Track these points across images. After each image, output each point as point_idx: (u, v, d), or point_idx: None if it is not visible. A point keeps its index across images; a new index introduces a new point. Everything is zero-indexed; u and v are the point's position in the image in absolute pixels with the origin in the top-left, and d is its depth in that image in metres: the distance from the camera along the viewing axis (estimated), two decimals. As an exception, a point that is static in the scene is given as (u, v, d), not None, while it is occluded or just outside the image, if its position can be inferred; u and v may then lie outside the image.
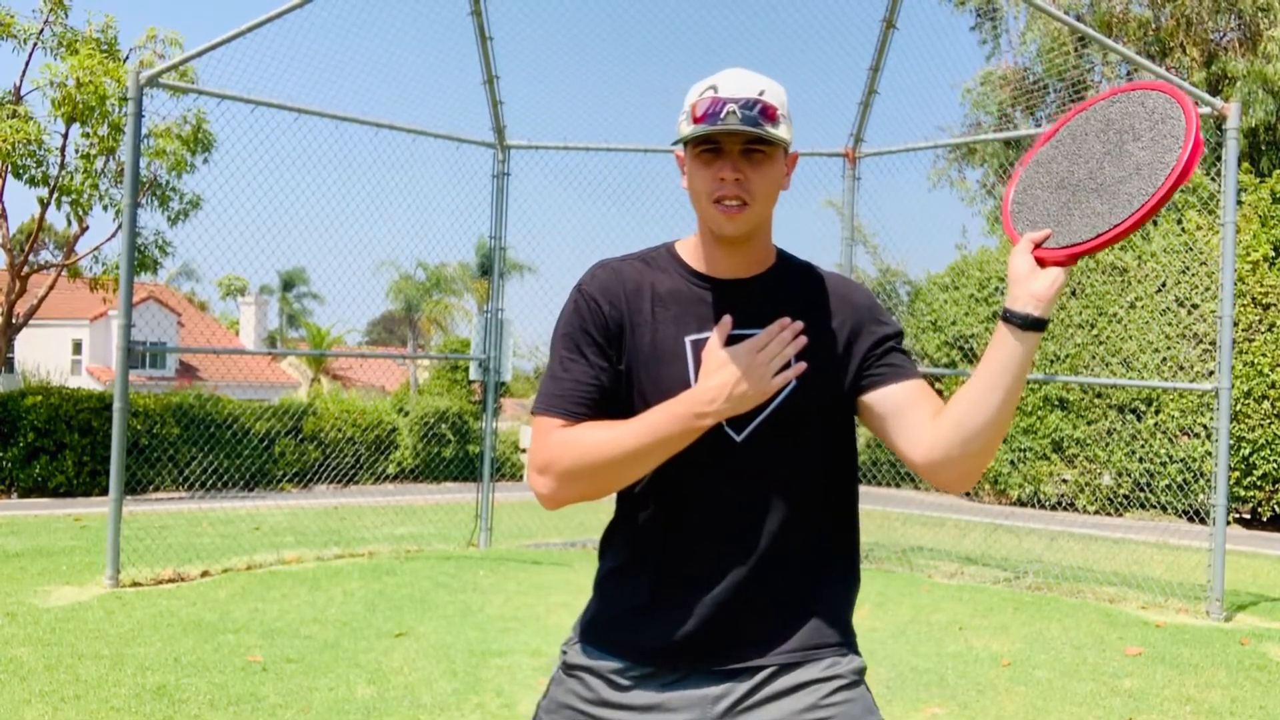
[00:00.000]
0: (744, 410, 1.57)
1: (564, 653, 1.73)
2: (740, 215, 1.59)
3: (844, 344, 1.65)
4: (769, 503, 1.62)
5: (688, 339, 1.63)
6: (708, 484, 1.61)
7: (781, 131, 1.57)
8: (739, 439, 1.61)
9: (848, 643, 1.67)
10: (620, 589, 1.69)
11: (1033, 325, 1.48)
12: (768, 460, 1.61)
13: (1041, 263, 1.50)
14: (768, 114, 1.56)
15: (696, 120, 1.56)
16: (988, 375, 1.51)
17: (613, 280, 1.67)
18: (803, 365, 1.58)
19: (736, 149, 1.57)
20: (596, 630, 1.70)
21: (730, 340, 1.59)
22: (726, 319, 1.60)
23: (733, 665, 1.62)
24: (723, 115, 1.54)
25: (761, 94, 1.56)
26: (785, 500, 1.62)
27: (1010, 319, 1.49)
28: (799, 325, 1.59)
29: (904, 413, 1.61)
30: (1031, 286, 1.48)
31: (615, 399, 1.64)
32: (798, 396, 1.61)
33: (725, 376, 1.55)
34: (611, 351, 1.65)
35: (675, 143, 1.63)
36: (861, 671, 1.66)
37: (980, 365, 1.53)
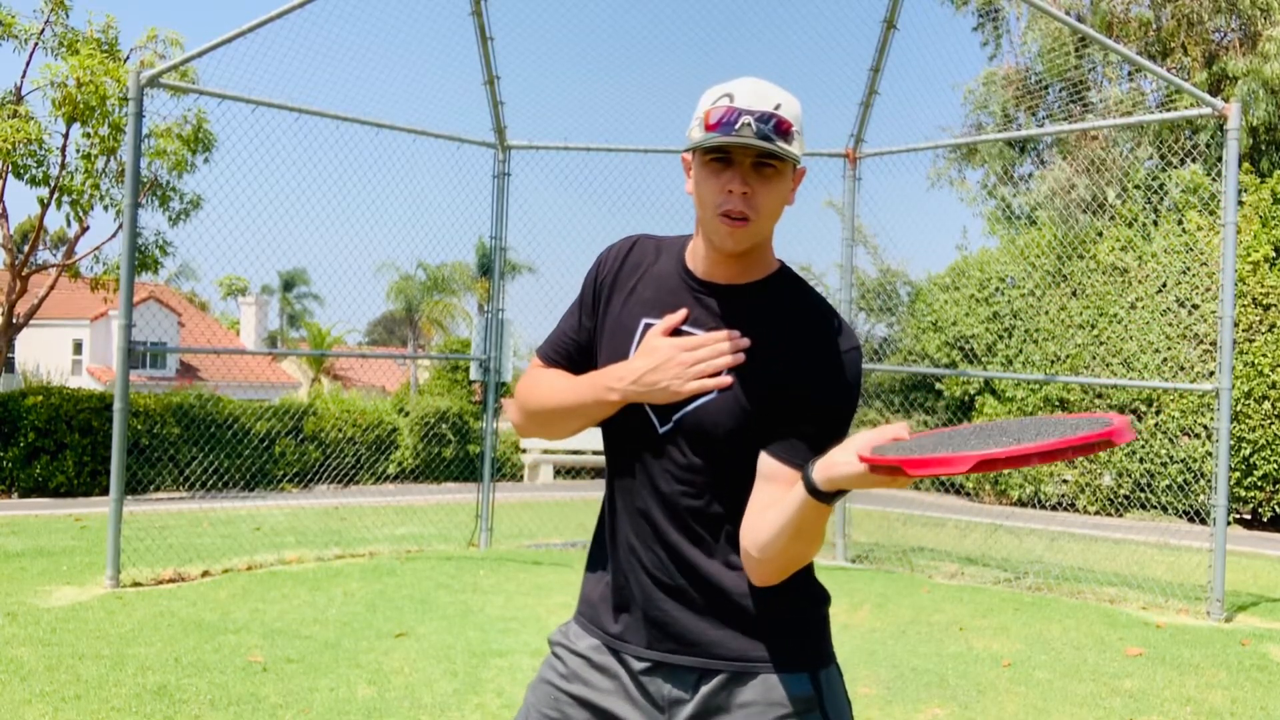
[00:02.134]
0: (654, 400, 1.61)
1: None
2: (743, 230, 1.57)
3: (786, 385, 1.59)
4: (686, 500, 1.62)
5: (644, 320, 1.67)
6: (637, 470, 1.66)
7: (794, 147, 1.56)
8: (660, 431, 1.63)
9: (801, 660, 1.62)
10: (595, 568, 1.76)
11: (808, 485, 1.42)
12: (684, 459, 1.62)
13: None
14: (782, 128, 1.53)
15: (709, 128, 1.54)
16: (782, 504, 1.50)
17: (622, 251, 1.76)
18: (726, 380, 1.58)
19: (747, 161, 1.55)
20: (580, 608, 1.76)
21: (678, 334, 1.63)
22: (682, 312, 1.64)
23: (679, 661, 1.63)
24: (737, 126, 1.52)
25: (778, 108, 1.54)
26: (702, 501, 1.62)
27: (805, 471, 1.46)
28: (743, 342, 1.59)
29: (760, 489, 1.58)
30: (835, 456, 1.40)
31: (590, 357, 1.74)
32: (714, 410, 1.59)
33: (644, 361, 1.61)
34: (593, 313, 1.75)
35: (687, 149, 1.62)
36: (809, 700, 1.59)
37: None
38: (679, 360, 1.59)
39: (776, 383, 1.59)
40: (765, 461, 1.58)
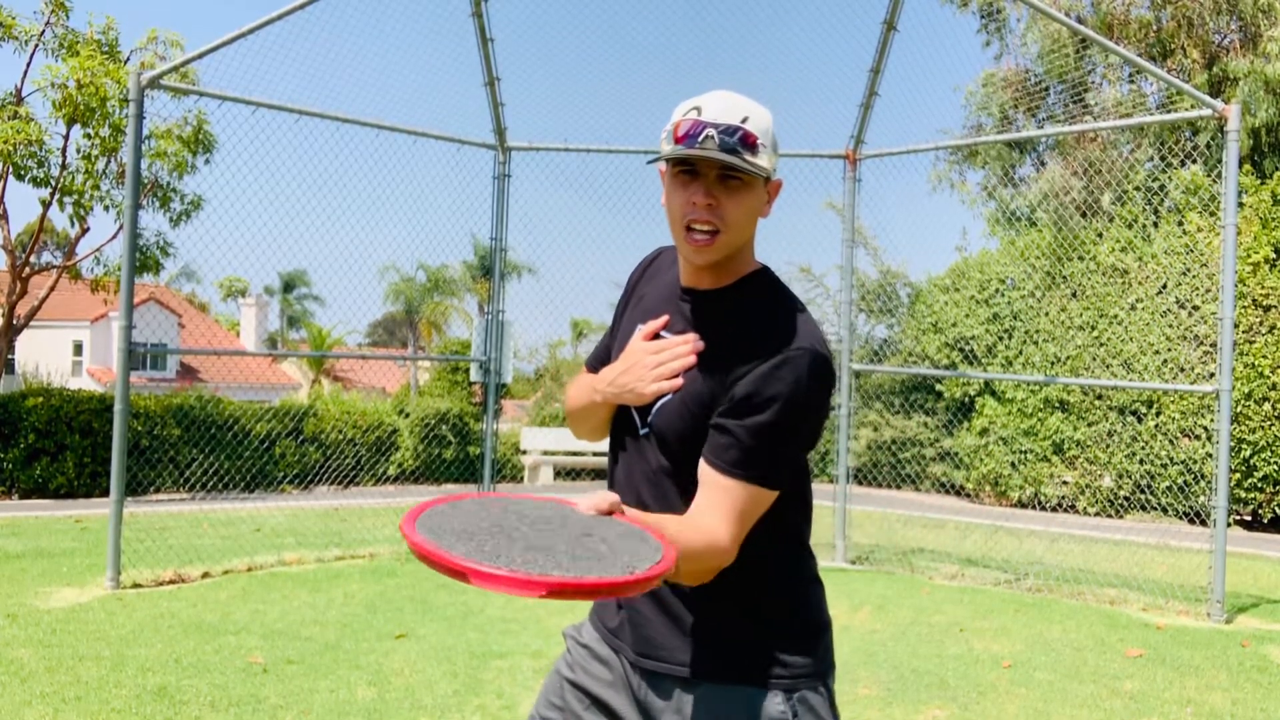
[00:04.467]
0: (625, 402, 1.68)
1: None
2: (710, 246, 1.59)
3: (724, 387, 1.57)
4: (658, 503, 1.65)
5: (639, 326, 1.75)
6: (624, 471, 1.72)
7: (761, 160, 1.56)
8: (640, 433, 1.68)
9: (778, 678, 1.59)
10: None
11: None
12: (656, 462, 1.65)
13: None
14: (748, 142, 1.54)
15: (677, 140, 1.56)
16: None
17: (646, 262, 1.85)
18: (677, 383, 1.61)
19: (712, 174, 1.57)
20: (595, 602, 1.83)
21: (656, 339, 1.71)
22: (663, 318, 1.70)
23: (650, 666, 1.65)
24: (701, 139, 1.53)
25: (744, 121, 1.55)
26: (669, 504, 1.63)
27: None
28: (699, 345, 1.62)
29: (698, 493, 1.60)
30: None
31: None
32: (669, 412, 1.62)
33: (620, 365, 1.69)
34: (620, 322, 1.85)
35: (652, 160, 1.64)
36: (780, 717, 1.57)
37: None
38: (644, 363, 1.64)
39: (719, 384, 1.59)
40: (700, 463, 1.59)
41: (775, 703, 1.57)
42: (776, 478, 1.57)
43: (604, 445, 1.83)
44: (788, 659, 1.60)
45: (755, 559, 1.62)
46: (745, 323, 1.61)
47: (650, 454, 1.65)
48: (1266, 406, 12.57)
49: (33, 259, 15.43)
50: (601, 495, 1.42)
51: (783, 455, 1.57)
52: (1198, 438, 12.77)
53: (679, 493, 1.63)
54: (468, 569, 1.21)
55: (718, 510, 1.53)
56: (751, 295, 1.65)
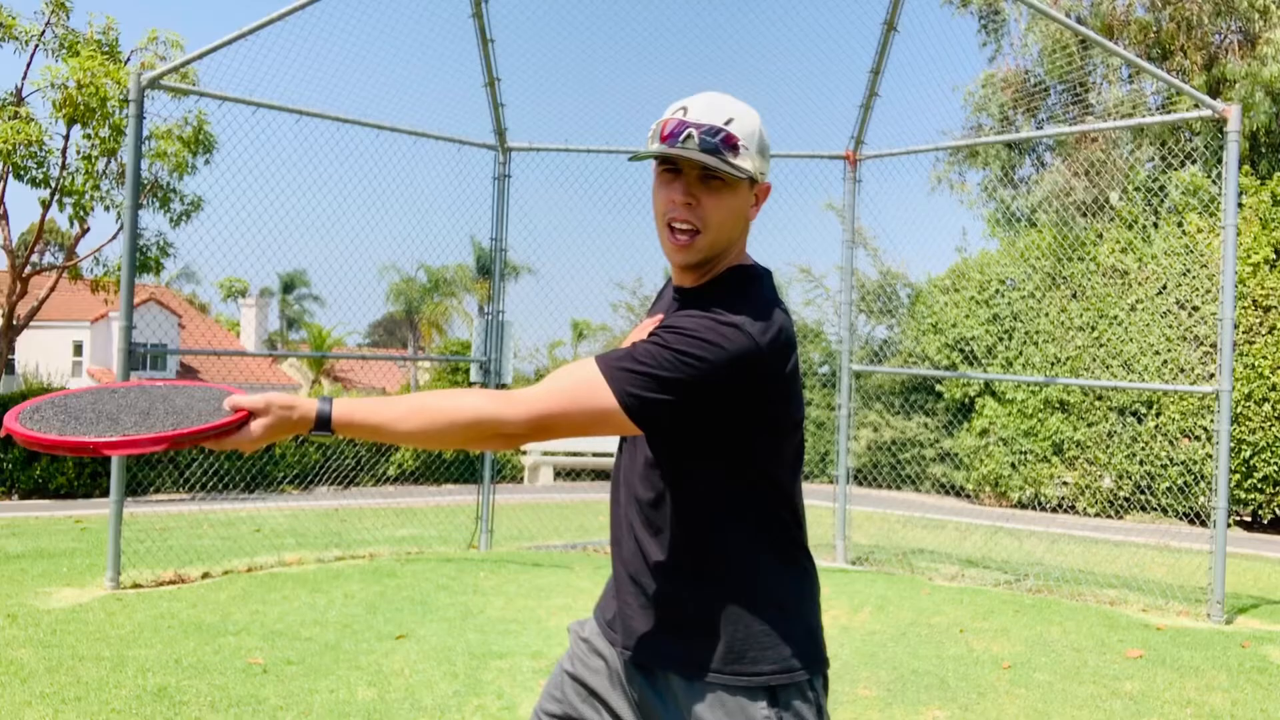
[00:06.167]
0: None
1: None
2: (689, 245, 1.60)
3: None
4: (645, 492, 1.67)
5: None
6: (625, 465, 1.74)
7: (743, 163, 1.56)
8: None
9: (762, 677, 1.57)
10: None
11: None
12: (645, 454, 1.67)
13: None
14: (729, 143, 1.55)
15: (661, 139, 1.58)
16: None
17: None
18: None
19: (694, 174, 1.58)
20: (600, 598, 1.85)
21: None
22: (658, 317, 1.73)
23: (638, 657, 1.67)
24: (682, 138, 1.55)
25: (728, 123, 1.56)
26: (654, 494, 1.66)
27: None
28: None
29: None
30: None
31: None
32: None
33: None
34: None
35: (633, 158, 1.66)
36: None
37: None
38: None
39: None
40: None
41: (760, 707, 1.56)
42: (633, 395, 1.50)
43: (603, 444, 1.85)
44: (774, 660, 1.59)
45: (741, 556, 1.62)
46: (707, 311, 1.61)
47: (640, 447, 1.68)
48: (1266, 407, 12.58)
49: (33, 259, 15.43)
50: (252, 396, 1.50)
51: (653, 383, 1.50)
52: (1198, 438, 12.77)
53: (665, 481, 1.63)
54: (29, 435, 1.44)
55: (548, 378, 1.56)
56: (722, 289, 1.66)
